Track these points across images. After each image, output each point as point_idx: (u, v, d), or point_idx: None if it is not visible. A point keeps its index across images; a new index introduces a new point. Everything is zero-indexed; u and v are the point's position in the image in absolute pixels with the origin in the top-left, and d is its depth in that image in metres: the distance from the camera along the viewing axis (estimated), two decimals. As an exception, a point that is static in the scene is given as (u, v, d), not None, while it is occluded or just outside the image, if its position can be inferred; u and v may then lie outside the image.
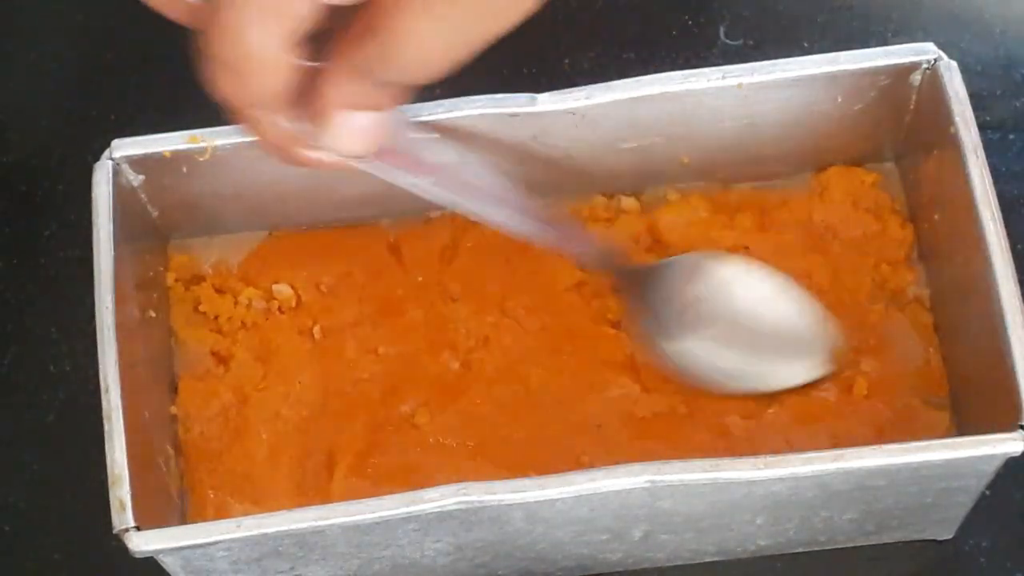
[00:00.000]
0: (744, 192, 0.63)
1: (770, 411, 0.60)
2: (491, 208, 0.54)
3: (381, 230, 0.63)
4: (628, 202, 0.63)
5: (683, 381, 0.59)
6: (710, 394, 0.59)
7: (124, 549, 0.52)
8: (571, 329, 0.61)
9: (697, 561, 0.60)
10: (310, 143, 0.46)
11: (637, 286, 0.59)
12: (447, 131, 0.57)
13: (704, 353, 0.59)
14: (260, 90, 0.43)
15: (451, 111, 0.58)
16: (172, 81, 0.61)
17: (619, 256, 0.59)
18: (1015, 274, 0.54)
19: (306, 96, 0.44)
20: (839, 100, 0.60)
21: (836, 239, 0.62)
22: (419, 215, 0.63)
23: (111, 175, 0.57)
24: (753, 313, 0.59)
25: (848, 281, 0.61)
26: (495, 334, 0.61)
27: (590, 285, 0.62)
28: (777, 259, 0.61)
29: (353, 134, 0.44)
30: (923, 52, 0.58)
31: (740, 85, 0.58)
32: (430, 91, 0.63)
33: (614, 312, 0.61)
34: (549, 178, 0.62)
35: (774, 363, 0.59)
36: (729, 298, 0.59)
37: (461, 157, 0.52)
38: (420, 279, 0.62)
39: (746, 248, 0.62)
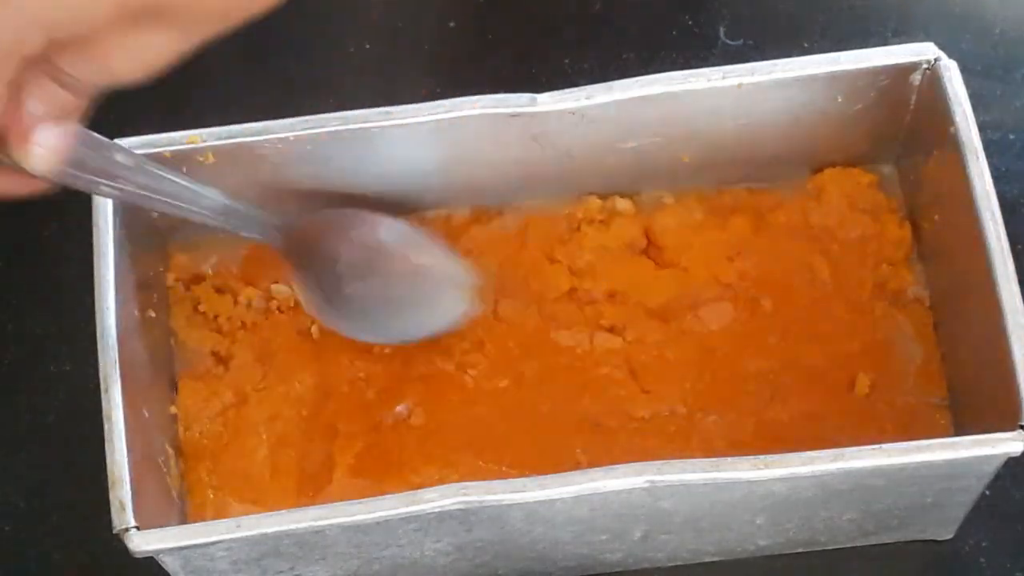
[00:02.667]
0: (739, 194, 0.63)
1: (770, 411, 0.60)
2: (177, 204, 0.54)
3: (379, 231, 0.63)
4: (623, 204, 0.63)
5: (352, 337, 0.60)
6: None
7: (124, 549, 0.52)
8: (565, 332, 0.61)
9: (697, 561, 0.60)
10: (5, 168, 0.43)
11: (297, 252, 0.59)
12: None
13: (360, 308, 0.60)
14: None
15: (451, 111, 0.58)
16: (172, 81, 0.61)
17: (274, 225, 0.59)
18: (1015, 274, 0.54)
19: None
20: (839, 100, 0.60)
21: (834, 240, 0.62)
22: (415, 216, 0.63)
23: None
24: (399, 261, 0.60)
25: (848, 282, 0.61)
26: (489, 336, 0.61)
27: (582, 291, 0.62)
28: (775, 261, 0.61)
29: (55, 146, 0.40)
30: (923, 52, 0.58)
31: (740, 85, 0.58)
32: (431, 91, 0.63)
33: (607, 317, 0.61)
34: (549, 178, 0.62)
35: (425, 306, 0.61)
36: (374, 249, 0.60)
37: (135, 160, 0.52)
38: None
39: (739, 253, 0.62)
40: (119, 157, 0.50)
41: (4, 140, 0.40)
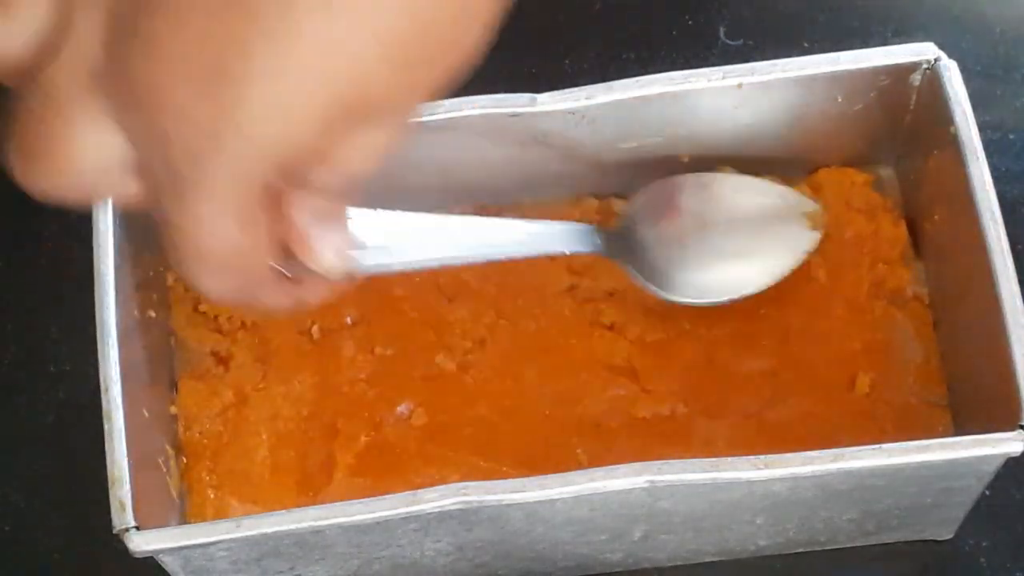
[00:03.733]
0: (736, 194, 0.63)
1: (770, 410, 0.60)
2: (470, 251, 0.54)
3: (379, 230, 0.63)
4: (620, 204, 0.63)
5: (705, 306, 0.60)
6: (717, 382, 0.60)
7: (124, 549, 0.52)
8: (566, 331, 0.61)
9: (697, 561, 0.60)
10: (303, 280, 0.43)
11: (621, 247, 0.60)
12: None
13: (703, 270, 0.60)
14: (257, 269, 0.40)
15: (451, 111, 0.58)
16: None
17: (596, 231, 0.59)
18: (1015, 274, 0.54)
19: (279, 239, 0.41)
20: (839, 100, 0.60)
21: (830, 240, 0.62)
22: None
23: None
24: (727, 213, 0.60)
25: (845, 281, 0.61)
26: (491, 335, 0.61)
27: (582, 289, 0.62)
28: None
29: (339, 244, 0.41)
30: (923, 52, 0.58)
31: (740, 85, 0.58)
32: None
33: (607, 315, 0.61)
34: (548, 178, 0.62)
35: (767, 251, 0.60)
36: (699, 208, 0.60)
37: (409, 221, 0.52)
38: (417, 280, 0.62)
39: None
40: (411, 229, 0.51)
41: (296, 255, 0.41)
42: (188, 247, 0.38)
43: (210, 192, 0.36)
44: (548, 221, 0.58)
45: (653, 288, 0.60)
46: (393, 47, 0.35)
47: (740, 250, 0.60)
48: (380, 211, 0.49)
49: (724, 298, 0.60)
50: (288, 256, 0.41)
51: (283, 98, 0.35)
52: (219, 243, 0.38)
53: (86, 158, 0.37)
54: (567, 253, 0.58)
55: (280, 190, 0.39)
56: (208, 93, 0.35)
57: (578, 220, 0.63)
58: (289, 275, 0.42)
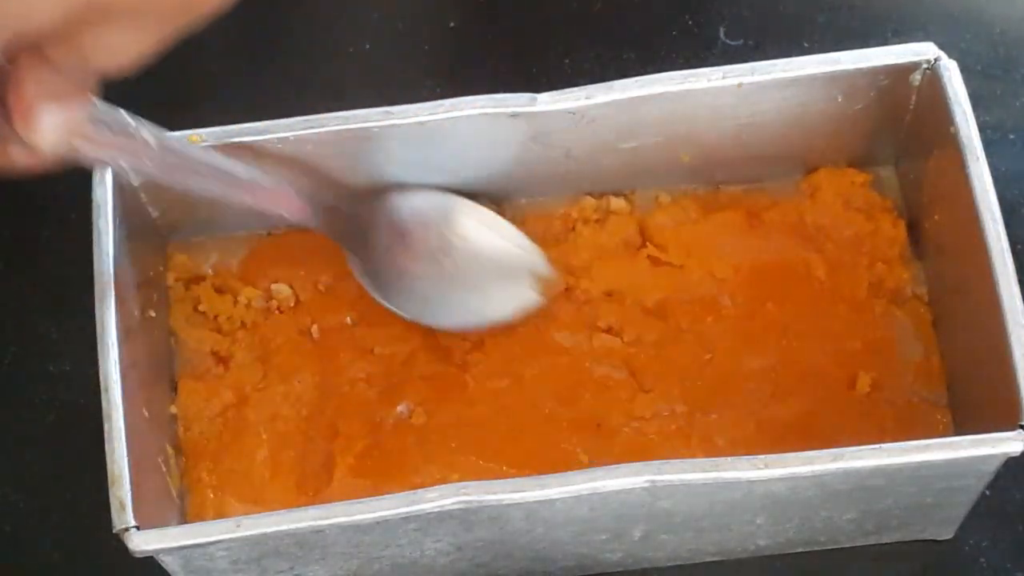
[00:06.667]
0: (735, 194, 0.63)
1: (770, 410, 0.60)
2: (201, 180, 0.54)
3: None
4: (617, 203, 0.63)
5: (413, 323, 0.60)
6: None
7: (124, 549, 0.52)
8: (564, 331, 0.61)
9: (697, 561, 0.60)
10: (13, 145, 0.44)
11: (346, 230, 0.59)
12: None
13: (420, 290, 0.60)
14: None
15: (451, 111, 0.58)
16: (172, 81, 0.61)
17: (321, 202, 0.58)
18: (1015, 274, 0.54)
19: (2, 97, 0.42)
20: (839, 100, 0.60)
21: (829, 240, 0.62)
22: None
23: (111, 175, 0.57)
24: (469, 243, 0.60)
25: (844, 280, 0.62)
26: (491, 335, 0.61)
27: (579, 290, 0.62)
28: (771, 259, 0.61)
29: (62, 125, 0.42)
30: (923, 52, 0.58)
31: (740, 85, 0.58)
32: (431, 91, 0.63)
33: (605, 317, 0.61)
34: (548, 177, 0.62)
35: (493, 294, 0.60)
36: (445, 230, 0.60)
37: (158, 136, 0.51)
38: (418, 279, 0.62)
39: (735, 251, 0.62)
40: (142, 132, 0.50)
41: (13, 120, 0.42)
42: None
43: None
44: (261, 172, 0.56)
45: (367, 285, 0.60)
46: None
47: (465, 283, 0.60)
48: (121, 110, 0.48)
49: (427, 322, 0.60)
50: (6, 118, 0.41)
51: None
52: None
53: None
54: (285, 216, 0.57)
55: (18, 57, 0.39)
56: None
57: (575, 218, 0.63)
58: None
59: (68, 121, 0.42)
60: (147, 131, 0.50)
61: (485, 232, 0.61)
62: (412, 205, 0.60)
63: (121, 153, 0.50)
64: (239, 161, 0.55)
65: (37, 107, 0.41)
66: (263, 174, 0.56)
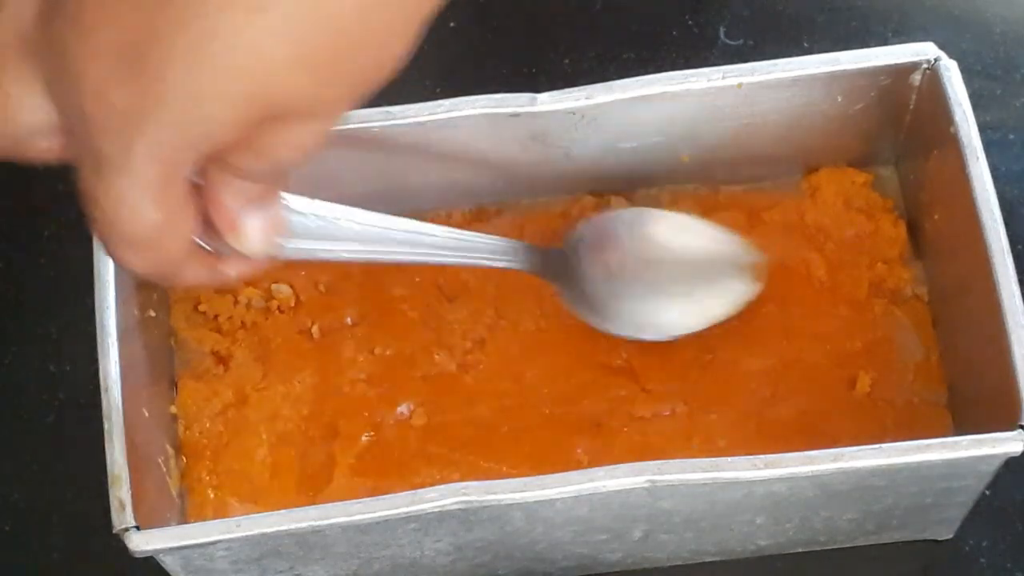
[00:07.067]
0: (735, 194, 0.63)
1: (770, 410, 0.60)
2: (401, 251, 0.54)
3: (379, 230, 0.63)
4: (618, 203, 0.63)
5: (636, 340, 0.60)
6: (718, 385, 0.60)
7: (124, 549, 0.52)
8: (566, 331, 0.61)
9: (697, 561, 0.60)
10: (225, 258, 0.44)
11: (557, 269, 0.59)
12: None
13: (641, 305, 0.59)
14: (176, 247, 0.40)
15: (451, 111, 0.58)
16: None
17: (528, 249, 0.59)
18: (1015, 274, 0.54)
19: (205, 217, 0.42)
20: (839, 100, 0.60)
21: (829, 239, 0.62)
22: (416, 215, 0.63)
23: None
24: (671, 252, 0.60)
25: (845, 280, 0.62)
26: (491, 335, 0.61)
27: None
28: (771, 259, 0.61)
29: (266, 228, 0.42)
30: (923, 52, 0.58)
31: (740, 85, 0.58)
32: (431, 91, 0.63)
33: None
34: (548, 177, 0.62)
35: (706, 294, 0.60)
36: (644, 244, 0.60)
37: (361, 221, 0.52)
38: (417, 280, 0.62)
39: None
40: (345, 222, 0.50)
41: (221, 233, 0.42)
42: (106, 221, 0.39)
43: (128, 172, 0.37)
44: (483, 234, 0.57)
45: (584, 316, 0.59)
46: (309, 55, 0.36)
47: (676, 290, 0.60)
48: (316, 201, 0.49)
49: (653, 336, 0.60)
50: (214, 234, 0.42)
51: (197, 88, 0.36)
52: (136, 220, 0.39)
53: (18, 119, 0.39)
54: (498, 267, 0.57)
55: (208, 171, 0.40)
56: (126, 77, 0.36)
57: (575, 217, 0.63)
58: (210, 250, 0.42)
59: (269, 221, 0.42)
60: (350, 217, 0.50)
61: (681, 236, 0.61)
62: (603, 229, 0.60)
63: (324, 242, 0.50)
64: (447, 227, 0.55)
65: (239, 215, 0.41)
66: (497, 237, 0.57)
